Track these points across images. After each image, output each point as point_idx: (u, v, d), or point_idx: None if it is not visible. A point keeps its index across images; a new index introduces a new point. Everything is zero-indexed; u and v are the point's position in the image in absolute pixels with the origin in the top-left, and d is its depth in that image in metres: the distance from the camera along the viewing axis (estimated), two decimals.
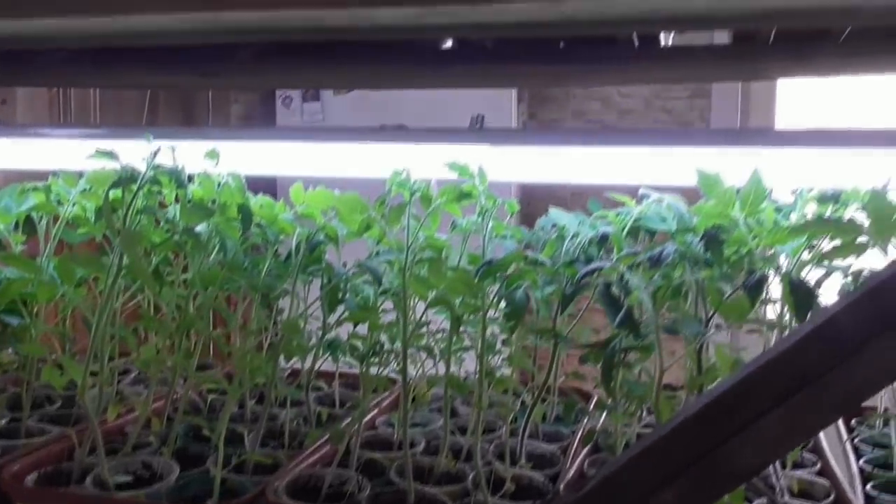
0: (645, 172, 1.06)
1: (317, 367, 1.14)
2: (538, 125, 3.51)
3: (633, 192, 1.07)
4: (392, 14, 0.91)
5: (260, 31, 1.06)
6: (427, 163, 1.10)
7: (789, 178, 1.00)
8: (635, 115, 3.53)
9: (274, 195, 1.24)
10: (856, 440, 1.15)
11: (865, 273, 0.89)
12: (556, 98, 3.54)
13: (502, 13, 0.87)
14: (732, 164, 1.00)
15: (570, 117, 3.57)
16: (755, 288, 0.83)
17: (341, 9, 0.88)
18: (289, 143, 1.20)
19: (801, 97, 3.42)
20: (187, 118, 2.95)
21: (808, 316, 0.83)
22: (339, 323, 1.12)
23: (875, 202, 0.77)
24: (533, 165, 1.10)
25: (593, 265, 0.86)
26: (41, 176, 1.23)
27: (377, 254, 1.07)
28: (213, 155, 1.06)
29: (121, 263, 0.99)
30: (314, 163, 1.20)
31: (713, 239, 0.85)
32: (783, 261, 0.90)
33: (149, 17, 0.97)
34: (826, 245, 0.84)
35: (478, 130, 1.06)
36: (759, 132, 1.02)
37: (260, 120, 3.28)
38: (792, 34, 1.03)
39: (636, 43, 1.12)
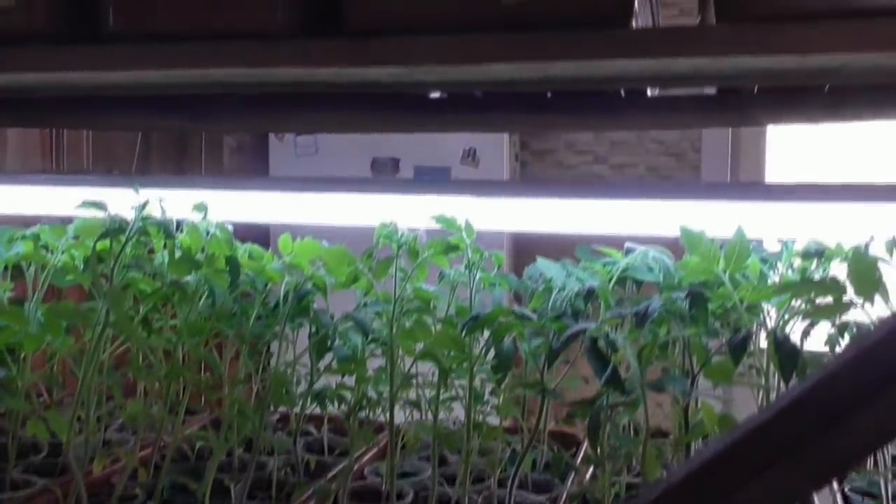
0: (634, 223, 1.06)
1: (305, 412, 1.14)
2: (530, 155, 3.53)
3: (622, 242, 1.08)
4: (378, 72, 0.92)
5: (249, 84, 1.07)
6: (417, 211, 1.11)
7: (777, 226, 1.00)
8: (627, 146, 3.55)
9: (266, 242, 1.24)
10: (846, 489, 1.15)
11: (851, 324, 0.90)
12: None
13: (490, 73, 0.88)
14: (722, 213, 1.01)
15: (562, 148, 3.59)
16: (740, 346, 0.84)
17: (328, 67, 0.89)
18: (280, 193, 1.21)
19: (790, 131, 3.45)
20: (180, 152, 2.96)
21: (793, 373, 0.83)
22: (328, 369, 1.12)
23: (857, 262, 0.78)
24: (524, 216, 1.11)
25: (578, 327, 0.87)
26: (31, 221, 1.24)
27: (365, 305, 1.07)
28: (200, 208, 1.06)
29: (108, 317, 0.99)
30: (305, 211, 1.21)
31: (697, 297, 0.85)
32: (769, 313, 0.90)
33: (137, 73, 0.98)
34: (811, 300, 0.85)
35: (469, 183, 1.07)
36: (747, 186, 1.03)
37: (253, 152, 3.29)
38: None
39: (623, 94, 1.13)
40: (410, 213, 1.12)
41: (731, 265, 0.86)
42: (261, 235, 1.39)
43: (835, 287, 0.75)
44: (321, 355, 1.12)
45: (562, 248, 1.22)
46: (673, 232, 1.01)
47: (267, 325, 1.14)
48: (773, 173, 3.52)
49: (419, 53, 0.86)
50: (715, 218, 1.00)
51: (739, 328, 0.86)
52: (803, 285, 0.81)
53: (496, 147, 3.01)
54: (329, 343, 1.11)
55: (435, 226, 1.07)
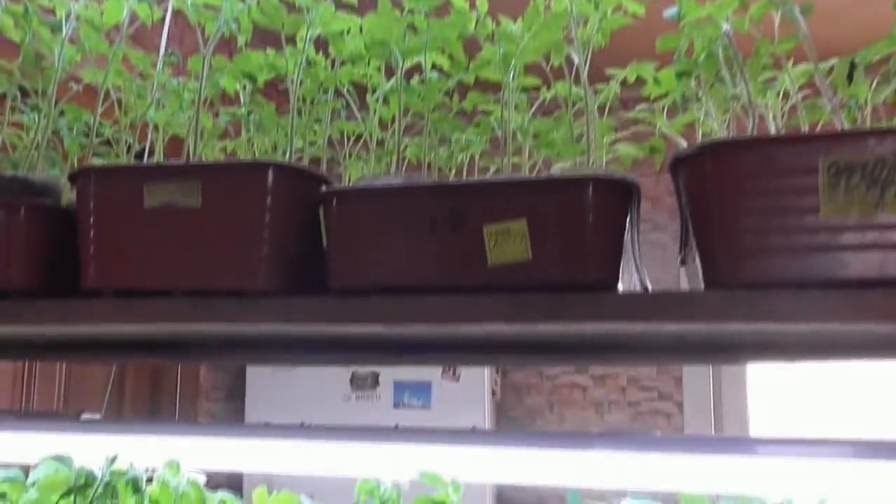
0: (619, 475, 1.03)
1: None
2: (511, 366, 3.51)
3: (607, 494, 1.04)
4: (360, 329, 0.90)
5: (228, 335, 1.05)
6: (397, 458, 1.06)
7: (763, 482, 0.97)
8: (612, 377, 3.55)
9: (240, 487, 1.18)
10: None
11: None
12: None
13: (474, 331, 0.87)
14: (708, 467, 0.98)
15: None
16: None
17: (310, 325, 0.88)
18: (255, 440, 1.16)
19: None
20: (155, 376, 2.91)
21: None
22: None
23: None
24: (506, 467, 1.06)
25: None
26: None
27: None
28: (173, 466, 1.01)
29: None
30: (281, 459, 1.16)
31: None
32: None
33: (115, 326, 0.96)
34: None
35: (452, 432, 1.04)
36: (735, 441, 1.00)
37: (230, 370, 3.24)
38: None
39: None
40: (390, 460, 1.07)
41: None
42: (235, 481, 1.33)
43: None
44: None
45: (547, 498, 1.17)
46: (664, 485, 0.98)
47: None
48: (754, 380, 3.52)
49: (401, 314, 0.85)
50: (700, 471, 0.97)
51: None
52: None
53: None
54: None
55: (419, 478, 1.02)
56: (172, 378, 2.91)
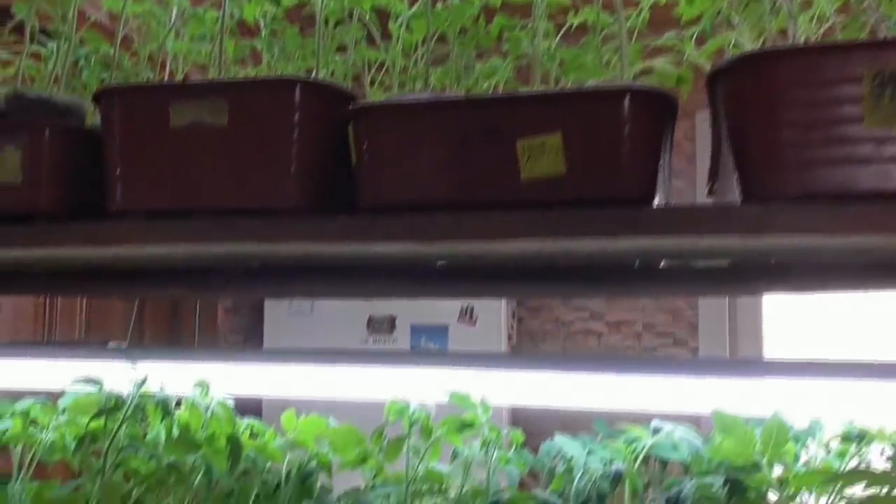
0: (639, 398, 1.03)
1: None
2: (526, 311, 3.51)
3: (626, 417, 1.04)
4: (390, 248, 0.90)
5: (255, 257, 1.05)
6: (414, 383, 1.06)
7: (776, 402, 0.96)
8: (624, 303, 3.55)
9: (259, 413, 1.19)
10: None
11: None
12: None
13: (505, 249, 0.86)
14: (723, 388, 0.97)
15: (558, 304, 3.57)
16: None
17: (340, 244, 0.87)
18: (277, 365, 1.16)
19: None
20: (175, 311, 2.93)
21: None
22: None
23: None
24: (523, 390, 1.06)
25: None
26: (16, 395, 1.19)
27: (373, 487, 1.01)
28: (202, 385, 1.01)
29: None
30: (302, 383, 1.16)
31: (736, 484, 0.79)
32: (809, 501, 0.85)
33: (142, 248, 0.95)
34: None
35: (469, 354, 1.03)
36: (759, 363, 1.00)
37: (247, 312, 3.26)
38: None
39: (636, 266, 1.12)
40: (411, 384, 1.07)
41: (768, 450, 0.82)
42: (254, 407, 1.34)
43: (887, 478, 0.71)
44: None
45: (563, 423, 1.18)
46: (675, 408, 0.98)
47: None
48: (770, 328, 3.51)
49: (432, 231, 0.84)
50: (715, 394, 0.97)
51: None
52: (857, 473, 0.76)
53: (494, 305, 3.00)
54: None
55: (444, 399, 1.03)
56: (190, 322, 2.93)
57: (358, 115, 0.85)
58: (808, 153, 0.74)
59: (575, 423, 1.11)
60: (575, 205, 0.78)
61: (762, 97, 0.76)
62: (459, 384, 1.03)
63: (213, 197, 0.91)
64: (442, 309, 2.94)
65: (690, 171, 3.41)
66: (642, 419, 1.03)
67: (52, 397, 1.18)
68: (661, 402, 1.02)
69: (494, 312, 2.98)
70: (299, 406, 1.14)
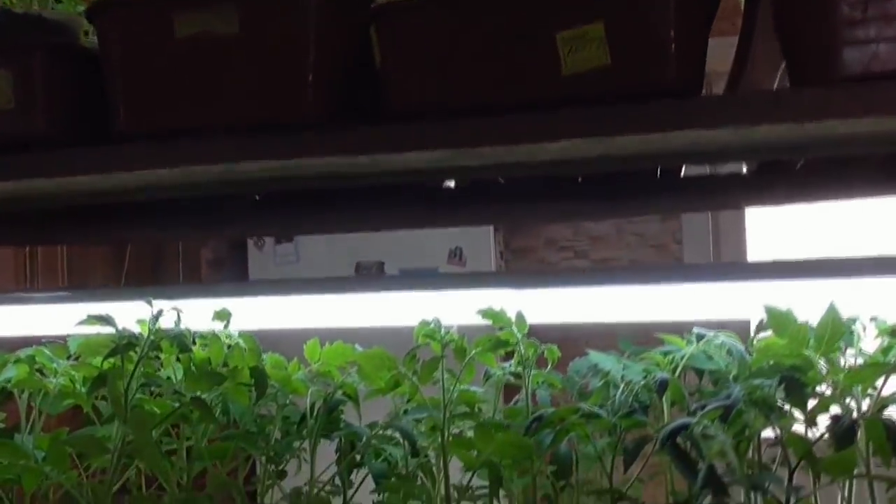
0: (645, 310, 1.00)
1: None
2: (511, 253, 3.49)
3: (636, 330, 1.02)
4: (421, 155, 0.84)
5: (271, 179, 0.99)
6: (405, 310, 1.02)
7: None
8: (607, 240, 3.53)
9: None
10: None
11: None
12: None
13: (544, 153, 0.81)
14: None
15: (542, 245, 3.55)
16: (845, 436, 0.75)
17: (370, 154, 0.82)
18: (291, 296, 1.11)
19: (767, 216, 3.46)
20: (156, 267, 2.86)
21: None
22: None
23: None
24: (534, 307, 1.03)
25: (679, 422, 0.78)
26: (12, 343, 1.13)
27: (405, 412, 0.98)
28: (223, 315, 0.97)
29: (123, 444, 0.88)
30: (293, 315, 1.10)
31: (793, 383, 0.77)
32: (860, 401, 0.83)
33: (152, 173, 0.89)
34: None
35: (463, 276, 0.99)
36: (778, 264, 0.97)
37: (231, 264, 3.20)
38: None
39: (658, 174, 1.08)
40: (399, 311, 1.03)
41: (822, 348, 0.79)
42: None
43: None
44: (351, 473, 1.01)
45: (572, 338, 1.16)
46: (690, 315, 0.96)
47: (288, 445, 1.03)
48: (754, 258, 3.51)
49: (466, 136, 0.79)
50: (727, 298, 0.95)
51: (838, 416, 0.78)
52: None
53: (483, 245, 2.96)
54: (360, 458, 1.00)
55: (463, 322, 0.99)
56: (175, 271, 2.86)
57: (382, 12, 0.79)
58: (864, 31, 0.71)
59: (590, 345, 1.08)
60: (620, 97, 0.74)
61: None
62: (473, 303, 0.99)
63: (225, 112, 0.85)
64: (431, 251, 2.89)
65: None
66: (675, 330, 1.00)
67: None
68: (692, 311, 1.00)
69: (484, 253, 2.95)
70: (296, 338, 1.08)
